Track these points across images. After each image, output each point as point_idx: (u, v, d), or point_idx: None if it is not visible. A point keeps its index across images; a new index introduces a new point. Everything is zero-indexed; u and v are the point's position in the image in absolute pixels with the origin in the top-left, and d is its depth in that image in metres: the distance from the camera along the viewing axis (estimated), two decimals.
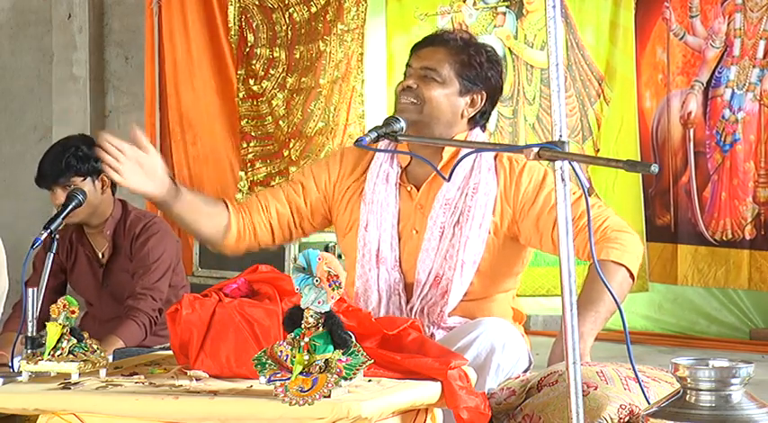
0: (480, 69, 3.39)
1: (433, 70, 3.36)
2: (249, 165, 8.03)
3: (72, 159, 4.36)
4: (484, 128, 3.49)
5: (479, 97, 3.41)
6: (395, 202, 3.42)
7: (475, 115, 3.43)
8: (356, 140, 3.15)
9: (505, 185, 3.37)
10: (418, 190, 3.42)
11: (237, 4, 8.01)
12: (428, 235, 3.35)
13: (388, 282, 3.36)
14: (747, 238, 6.46)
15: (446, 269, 3.31)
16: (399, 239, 3.40)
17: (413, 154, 3.39)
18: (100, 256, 4.56)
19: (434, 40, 3.42)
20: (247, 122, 8.05)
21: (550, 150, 2.61)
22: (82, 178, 4.37)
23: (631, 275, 3.30)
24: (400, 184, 3.43)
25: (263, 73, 7.97)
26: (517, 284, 3.51)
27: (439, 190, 3.38)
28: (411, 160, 3.45)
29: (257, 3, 7.95)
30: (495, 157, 3.41)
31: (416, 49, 3.45)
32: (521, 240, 3.36)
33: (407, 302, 3.34)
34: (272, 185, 3.57)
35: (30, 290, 3.05)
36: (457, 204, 3.35)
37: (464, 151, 3.31)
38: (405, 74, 3.43)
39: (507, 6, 7.17)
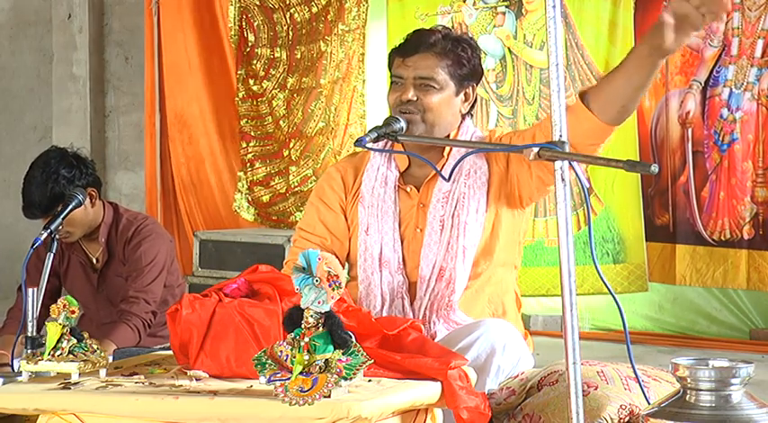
0: (469, 64, 3.42)
1: (429, 79, 3.36)
2: (249, 165, 8.03)
3: (56, 188, 4.24)
4: (472, 115, 3.52)
5: (471, 90, 3.47)
6: (395, 205, 3.42)
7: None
8: (356, 140, 3.15)
9: (490, 152, 3.38)
10: (418, 190, 3.43)
11: (238, 5, 8.01)
12: (429, 230, 3.36)
13: (391, 285, 3.36)
14: (746, 237, 6.45)
15: (448, 260, 3.32)
16: (402, 241, 3.40)
17: (413, 154, 3.40)
18: (94, 261, 4.54)
19: (419, 46, 3.39)
20: (247, 122, 8.05)
21: (550, 150, 2.61)
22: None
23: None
24: (399, 187, 3.44)
25: (263, 73, 7.97)
26: (521, 258, 3.52)
27: (435, 185, 3.39)
28: (410, 164, 3.46)
29: (258, 3, 7.95)
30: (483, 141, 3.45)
31: (400, 55, 3.42)
32: (518, 188, 3.35)
33: (411, 304, 3.34)
34: (295, 239, 3.56)
35: (30, 290, 3.05)
36: (453, 194, 3.36)
37: (465, 150, 3.32)
38: (393, 82, 3.42)
39: (507, 6, 7.17)
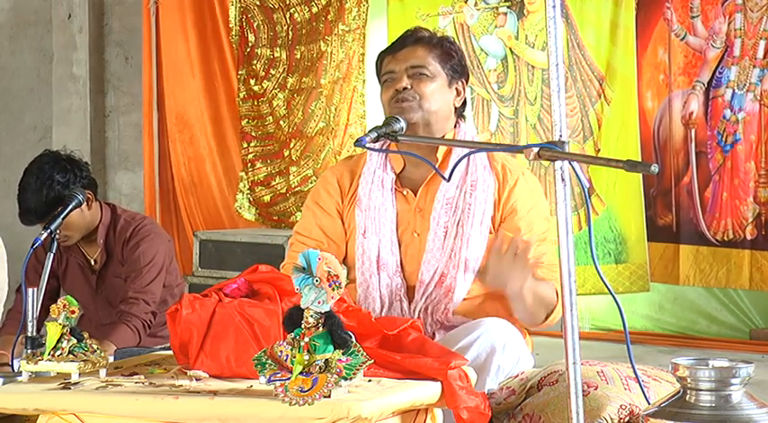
0: (456, 57, 3.46)
1: (422, 67, 3.39)
2: (249, 165, 8.03)
3: (51, 194, 4.24)
4: (464, 118, 3.52)
5: (461, 86, 3.48)
6: (392, 208, 3.41)
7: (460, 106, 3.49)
8: (356, 140, 3.15)
9: (499, 190, 3.38)
10: (415, 194, 3.42)
11: (238, 5, 8.01)
12: (431, 235, 3.35)
13: (389, 287, 3.36)
14: (748, 238, 6.46)
15: (450, 268, 3.31)
16: (400, 244, 3.40)
17: (411, 154, 3.39)
18: (92, 263, 4.53)
19: (406, 41, 3.45)
20: (248, 122, 8.05)
21: (550, 150, 2.61)
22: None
23: (547, 317, 3.33)
24: (396, 190, 3.43)
25: (263, 73, 7.97)
26: None
27: (438, 190, 3.38)
28: (405, 166, 3.46)
29: (258, 3, 7.95)
30: (489, 156, 3.43)
31: (389, 52, 3.46)
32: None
33: (409, 306, 3.33)
34: (292, 243, 3.57)
35: (30, 290, 3.05)
36: (457, 203, 3.36)
37: (463, 151, 3.32)
38: (385, 81, 3.43)
39: (508, 7, 7.16)
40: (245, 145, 8.06)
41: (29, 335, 3.00)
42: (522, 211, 3.36)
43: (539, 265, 3.30)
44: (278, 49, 7.92)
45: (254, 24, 7.99)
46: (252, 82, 8.00)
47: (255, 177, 8.01)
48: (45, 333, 2.84)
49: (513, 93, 7.16)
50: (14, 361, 3.84)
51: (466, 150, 3.31)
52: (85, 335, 2.84)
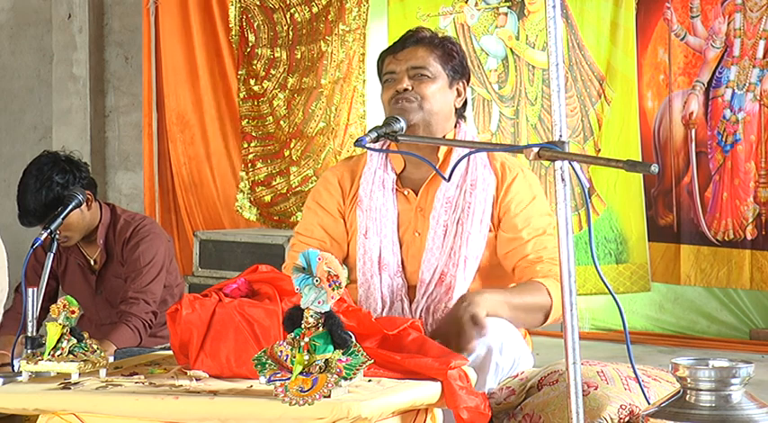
0: (458, 57, 3.45)
1: (422, 68, 3.38)
2: (250, 165, 8.04)
3: (50, 195, 4.22)
4: (465, 118, 3.52)
5: (462, 86, 3.47)
6: (393, 208, 3.41)
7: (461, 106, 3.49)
8: (356, 140, 3.14)
9: (497, 188, 3.38)
10: (416, 193, 3.42)
11: (238, 5, 8.02)
12: (431, 234, 3.35)
13: (391, 287, 3.35)
14: (749, 238, 6.46)
15: (450, 266, 3.31)
16: (401, 244, 3.40)
17: (412, 154, 3.39)
18: (92, 263, 4.53)
19: (407, 42, 3.44)
20: (248, 123, 8.06)
21: (550, 150, 2.61)
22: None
23: (546, 316, 3.31)
24: (397, 190, 3.43)
25: (263, 73, 7.97)
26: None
27: (438, 189, 3.38)
28: (405, 166, 3.46)
29: (258, 3, 7.96)
30: (488, 155, 3.43)
31: (390, 52, 3.45)
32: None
33: (410, 305, 3.33)
34: (294, 245, 3.55)
35: (30, 290, 3.05)
36: (457, 202, 3.36)
37: (463, 151, 3.32)
38: (386, 81, 3.42)
39: (509, 7, 7.17)
40: (246, 145, 8.06)
41: (29, 335, 2.99)
42: (519, 207, 3.37)
43: (540, 261, 3.30)
44: (278, 49, 7.92)
45: (255, 24, 8.00)
46: (252, 82, 8.00)
47: (256, 177, 8.01)
48: (45, 333, 2.83)
49: (513, 93, 7.17)
50: (14, 361, 3.83)
51: (466, 150, 3.30)
52: (85, 335, 2.83)
